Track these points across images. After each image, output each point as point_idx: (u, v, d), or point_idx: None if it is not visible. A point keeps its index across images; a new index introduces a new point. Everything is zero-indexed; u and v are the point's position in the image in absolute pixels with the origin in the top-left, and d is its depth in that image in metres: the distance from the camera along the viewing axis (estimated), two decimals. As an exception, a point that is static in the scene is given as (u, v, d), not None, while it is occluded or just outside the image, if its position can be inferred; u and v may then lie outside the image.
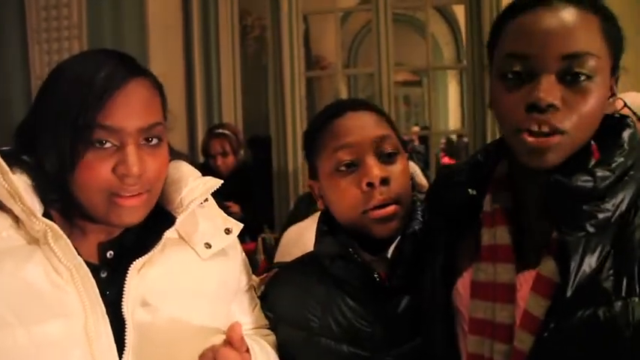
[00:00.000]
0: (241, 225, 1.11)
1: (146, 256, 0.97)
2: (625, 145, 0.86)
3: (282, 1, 3.24)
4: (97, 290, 0.92)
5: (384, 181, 1.05)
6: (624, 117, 0.90)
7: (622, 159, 0.84)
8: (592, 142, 0.88)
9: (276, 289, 1.17)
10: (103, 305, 0.92)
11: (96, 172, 0.93)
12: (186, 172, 1.07)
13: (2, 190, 0.91)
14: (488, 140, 3.07)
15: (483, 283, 0.93)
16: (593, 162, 0.87)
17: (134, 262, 0.96)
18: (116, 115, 0.92)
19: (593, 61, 0.83)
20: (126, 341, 0.93)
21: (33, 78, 3.08)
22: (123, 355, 0.93)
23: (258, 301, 1.16)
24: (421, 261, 1.06)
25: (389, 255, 1.09)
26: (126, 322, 0.94)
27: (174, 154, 1.08)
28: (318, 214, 1.83)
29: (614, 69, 0.88)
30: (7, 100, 3.09)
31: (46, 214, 0.94)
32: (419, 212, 1.12)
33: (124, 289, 0.95)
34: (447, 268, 1.00)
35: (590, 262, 0.81)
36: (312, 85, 3.90)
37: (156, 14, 3.07)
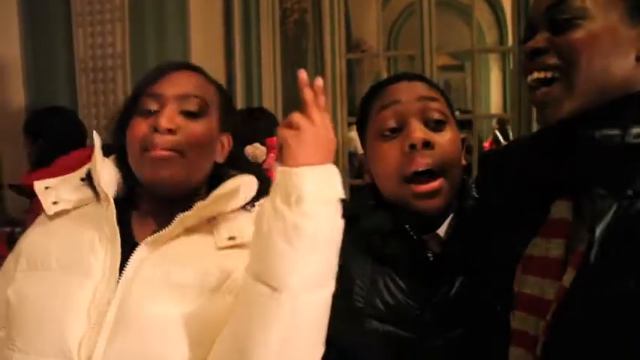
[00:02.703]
0: None
1: (155, 235, 1.02)
2: None
3: (322, -17, 3.20)
4: (118, 262, 1.00)
5: (428, 145, 1.00)
6: None
7: None
8: None
9: None
10: (117, 276, 0.99)
11: (135, 130, 1.05)
12: (241, 179, 1.10)
13: (92, 166, 1.09)
14: (534, 124, 2.98)
15: (536, 258, 0.88)
16: None
17: (144, 241, 1.02)
18: (160, 85, 1.07)
19: (577, 5, 0.82)
20: (108, 313, 0.97)
21: (77, 61, 3.13)
22: (103, 325, 0.96)
23: None
24: (479, 239, 1.01)
25: (442, 233, 1.04)
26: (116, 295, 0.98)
27: (246, 167, 1.15)
28: None
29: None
30: (52, 82, 3.14)
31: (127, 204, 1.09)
32: (473, 189, 1.06)
33: (127, 263, 1.00)
34: (506, 243, 0.95)
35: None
36: (352, 68, 3.86)
37: (197, -4, 3.07)
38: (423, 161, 1.00)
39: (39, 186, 1.12)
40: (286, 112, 3.35)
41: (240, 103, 3.20)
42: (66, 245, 1.04)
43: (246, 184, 1.09)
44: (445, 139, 1.03)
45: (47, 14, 3.14)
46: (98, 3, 3.12)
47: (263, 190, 1.08)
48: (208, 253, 1.02)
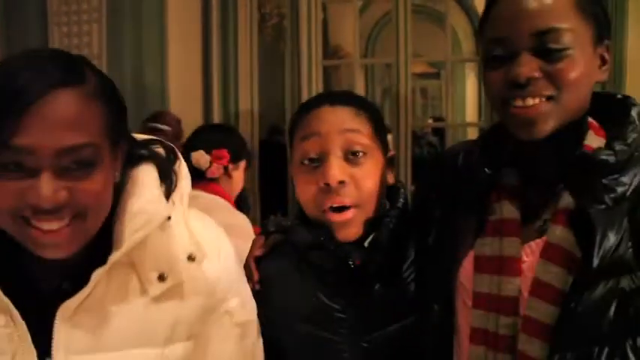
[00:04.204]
0: (212, 251, 0.93)
1: (69, 302, 0.83)
2: (636, 121, 0.90)
3: (301, -11, 3.22)
4: (28, 335, 0.83)
5: (343, 184, 1.04)
6: (627, 97, 0.95)
7: (636, 135, 0.89)
8: (589, 118, 0.94)
9: (263, 270, 1.18)
10: (34, 350, 0.84)
11: (2, 202, 0.77)
12: (144, 184, 0.88)
13: None
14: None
15: (488, 258, 0.94)
16: (591, 137, 0.92)
17: (61, 306, 0.84)
18: (27, 131, 0.74)
19: (567, 35, 0.87)
20: None
21: (52, 61, 3.10)
22: None
23: (251, 340, 1.00)
24: (405, 244, 1.09)
25: (366, 242, 1.09)
26: None
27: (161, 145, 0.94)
28: None
29: (599, 38, 0.92)
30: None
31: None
32: (401, 199, 1.11)
33: (53, 337, 0.83)
34: (445, 243, 1.03)
35: (611, 235, 0.84)
36: (329, 75, 3.89)
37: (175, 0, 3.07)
38: (337, 200, 1.05)
39: None
40: (263, 116, 3.36)
41: (216, 107, 3.21)
42: None
43: (149, 190, 0.88)
44: (364, 172, 1.06)
45: (23, 13, 3.11)
46: (75, 3, 3.10)
47: (164, 174, 0.91)
48: (143, 308, 0.87)
